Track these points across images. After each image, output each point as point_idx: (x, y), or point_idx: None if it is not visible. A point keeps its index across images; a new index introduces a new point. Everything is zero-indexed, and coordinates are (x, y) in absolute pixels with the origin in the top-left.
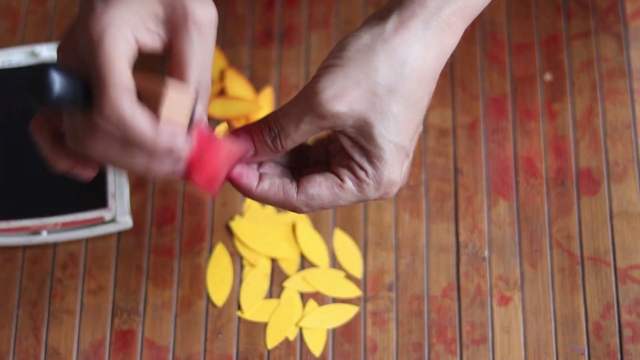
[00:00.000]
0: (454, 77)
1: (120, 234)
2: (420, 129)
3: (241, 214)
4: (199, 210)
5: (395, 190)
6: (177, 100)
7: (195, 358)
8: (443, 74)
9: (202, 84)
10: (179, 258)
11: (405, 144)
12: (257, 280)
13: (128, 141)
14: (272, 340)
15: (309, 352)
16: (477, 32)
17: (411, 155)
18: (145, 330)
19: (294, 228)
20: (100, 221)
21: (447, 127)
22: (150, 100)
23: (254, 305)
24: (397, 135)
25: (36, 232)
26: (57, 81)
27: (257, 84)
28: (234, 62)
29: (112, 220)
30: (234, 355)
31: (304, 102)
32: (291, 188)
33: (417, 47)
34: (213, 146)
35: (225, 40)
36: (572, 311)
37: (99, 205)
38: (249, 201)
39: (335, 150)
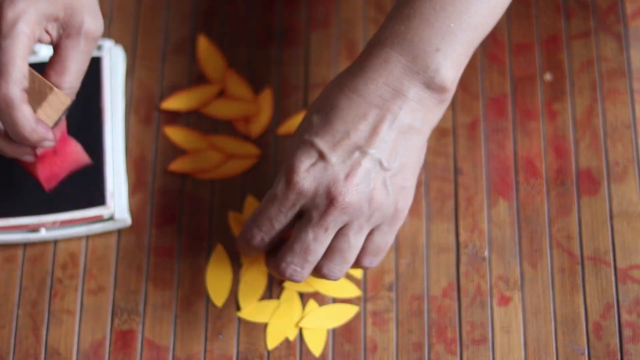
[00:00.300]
0: None
1: (120, 234)
2: (361, 141)
3: (242, 214)
4: (199, 211)
5: (295, 178)
6: (54, 104)
7: (195, 358)
8: None
9: (73, 90)
10: (179, 258)
11: (312, 139)
12: (255, 279)
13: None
14: (273, 340)
15: (309, 352)
16: None
17: (329, 157)
18: (146, 330)
19: None
20: (99, 219)
21: (447, 127)
22: (32, 95)
23: (252, 304)
24: (308, 134)
25: (35, 229)
26: None
27: (257, 84)
28: (234, 62)
29: (111, 218)
30: (234, 355)
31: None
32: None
33: (340, 74)
34: (66, 149)
35: (225, 40)
36: (572, 311)
37: (97, 203)
38: (249, 200)
39: None
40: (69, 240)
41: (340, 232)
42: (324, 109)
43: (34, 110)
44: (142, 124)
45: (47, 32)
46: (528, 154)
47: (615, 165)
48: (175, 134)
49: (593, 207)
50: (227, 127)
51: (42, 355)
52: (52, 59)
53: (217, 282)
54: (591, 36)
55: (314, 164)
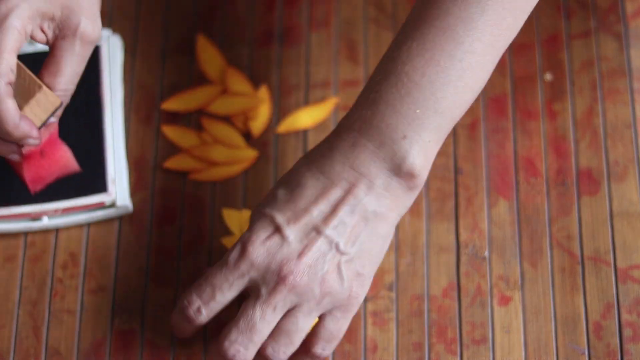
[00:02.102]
0: None
1: (120, 234)
2: (318, 220)
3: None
4: (200, 211)
5: (247, 245)
6: (43, 103)
7: (195, 358)
8: None
9: (67, 92)
10: (179, 258)
11: (272, 213)
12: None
13: None
14: None
15: None
16: None
17: (285, 232)
18: (146, 330)
19: None
20: (101, 206)
21: None
22: (20, 91)
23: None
24: (269, 208)
25: (37, 218)
26: None
27: (257, 84)
28: (234, 62)
29: (112, 205)
30: None
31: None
32: None
33: (307, 154)
34: (55, 153)
35: (225, 40)
36: (572, 311)
37: (99, 190)
38: (247, 204)
39: None
40: (69, 240)
41: (289, 313)
42: (289, 184)
43: (21, 107)
44: (143, 123)
45: (42, 30)
46: (528, 154)
47: (615, 165)
48: (173, 132)
49: (593, 207)
50: (227, 126)
51: (43, 355)
52: (47, 59)
53: None
54: (591, 36)
55: (269, 237)
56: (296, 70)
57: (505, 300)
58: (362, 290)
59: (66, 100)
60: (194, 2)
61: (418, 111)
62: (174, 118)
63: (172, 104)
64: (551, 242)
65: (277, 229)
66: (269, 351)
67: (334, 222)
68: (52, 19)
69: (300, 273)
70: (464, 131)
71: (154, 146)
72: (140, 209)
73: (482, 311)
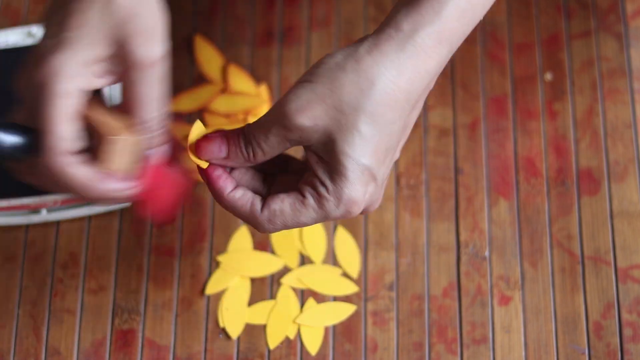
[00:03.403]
0: (455, 77)
1: (120, 234)
2: (397, 155)
3: None
4: (200, 210)
5: (356, 210)
6: (122, 149)
7: (195, 358)
8: (444, 74)
9: (154, 118)
10: (179, 258)
11: (370, 164)
12: (236, 302)
13: (68, 188)
14: (273, 340)
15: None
16: (477, 32)
17: (380, 180)
18: (146, 329)
19: None
20: None
21: (447, 126)
22: (100, 136)
23: (240, 326)
24: (363, 155)
25: (36, 210)
26: (5, 140)
27: (258, 84)
28: (234, 61)
29: None
30: (235, 355)
31: (272, 113)
32: (258, 203)
33: (388, 69)
34: (164, 178)
35: (226, 40)
36: (572, 311)
37: None
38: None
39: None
40: (69, 240)
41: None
42: (376, 119)
43: (103, 164)
44: None
45: (101, 75)
46: (528, 154)
47: (615, 164)
48: (176, 129)
49: (593, 207)
50: (227, 123)
51: (43, 355)
52: (122, 93)
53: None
54: (592, 36)
55: (367, 192)
56: (296, 70)
57: (505, 300)
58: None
59: (162, 123)
60: (194, 2)
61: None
62: (175, 118)
63: (173, 106)
64: (551, 242)
65: (373, 177)
66: None
67: (400, 148)
68: (103, 59)
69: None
70: (464, 131)
71: None
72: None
73: (483, 311)
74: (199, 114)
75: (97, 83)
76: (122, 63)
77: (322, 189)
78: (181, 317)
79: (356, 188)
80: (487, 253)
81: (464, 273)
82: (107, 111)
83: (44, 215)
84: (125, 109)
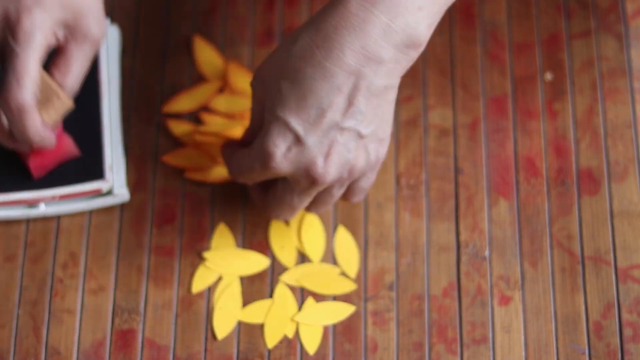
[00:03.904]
0: (455, 77)
1: (120, 234)
2: (382, 151)
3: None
4: (200, 210)
5: (272, 163)
6: (58, 107)
7: (195, 358)
8: (443, 74)
9: (73, 90)
10: (179, 258)
11: (288, 119)
12: (229, 301)
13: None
14: (272, 339)
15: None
16: (477, 32)
17: (310, 143)
18: (146, 330)
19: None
20: (98, 193)
21: (447, 126)
22: (39, 96)
23: (229, 328)
24: (281, 110)
25: (34, 204)
26: None
27: None
28: (234, 61)
29: (110, 192)
30: (235, 354)
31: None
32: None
33: (309, 27)
34: (59, 143)
35: (226, 40)
36: (572, 311)
37: (96, 177)
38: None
39: None
40: (69, 239)
41: (324, 190)
42: (294, 75)
43: (39, 111)
44: (143, 123)
45: (56, 37)
46: (528, 154)
47: (615, 164)
48: (177, 127)
49: (594, 207)
50: (227, 122)
51: (43, 355)
52: (57, 59)
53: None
54: (592, 36)
55: (289, 149)
56: None
57: (505, 300)
58: (385, 149)
59: (71, 98)
60: (194, 2)
61: None
62: (175, 117)
63: (174, 106)
64: (551, 242)
65: (297, 139)
66: (311, 210)
67: (353, 113)
68: (65, 25)
69: (330, 171)
70: (464, 131)
71: (154, 146)
72: (140, 209)
73: (483, 311)
74: (198, 113)
75: (52, 40)
76: (71, 33)
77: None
78: (181, 317)
79: (269, 138)
80: (487, 253)
81: (464, 273)
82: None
83: (42, 210)
84: (54, 74)
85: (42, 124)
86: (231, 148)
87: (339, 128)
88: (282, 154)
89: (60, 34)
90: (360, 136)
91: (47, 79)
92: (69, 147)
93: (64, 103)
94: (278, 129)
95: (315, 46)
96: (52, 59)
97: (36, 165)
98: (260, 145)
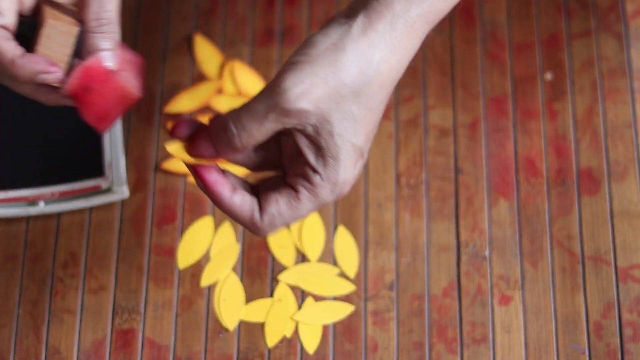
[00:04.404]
0: (455, 77)
1: (120, 233)
2: (376, 130)
3: None
4: (200, 210)
5: (348, 188)
6: (54, 36)
7: (196, 357)
8: (443, 74)
9: (105, 19)
10: (179, 257)
11: (361, 144)
12: (232, 292)
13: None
14: (272, 338)
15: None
16: (477, 32)
17: (366, 155)
18: (146, 329)
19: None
20: (97, 190)
21: (447, 126)
22: (40, 22)
23: (237, 317)
24: (355, 136)
25: (33, 202)
26: None
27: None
28: (235, 60)
29: (109, 190)
30: (235, 354)
31: (269, 99)
32: (257, 208)
33: (382, 49)
34: (106, 82)
35: (226, 39)
36: (572, 311)
37: (95, 174)
38: None
39: (289, 153)
40: (69, 239)
41: None
42: (365, 96)
43: (35, 49)
44: (143, 123)
45: None
46: (529, 154)
47: (615, 164)
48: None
49: (594, 207)
50: None
51: (43, 355)
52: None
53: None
54: (592, 35)
55: (357, 168)
56: None
57: (505, 300)
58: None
59: (111, 26)
60: (194, 2)
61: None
62: (175, 117)
63: (173, 107)
64: (551, 242)
65: (361, 156)
66: None
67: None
68: None
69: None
70: (464, 131)
71: (154, 146)
72: (141, 208)
73: (483, 311)
74: (199, 113)
75: None
76: None
77: (315, 177)
78: (181, 316)
79: (349, 169)
80: (487, 253)
81: (464, 273)
82: (62, 8)
83: (41, 208)
84: (80, 8)
85: (21, 55)
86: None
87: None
88: (355, 177)
89: None
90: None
91: (49, 13)
92: (123, 89)
93: (64, 30)
94: (354, 155)
95: (391, 69)
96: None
97: (93, 117)
98: (334, 177)
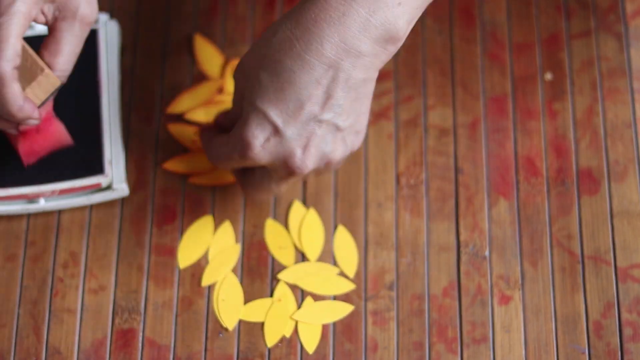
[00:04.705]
0: (455, 76)
1: (120, 233)
2: (357, 141)
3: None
4: (200, 210)
5: (250, 153)
6: (44, 84)
7: (196, 357)
8: (443, 74)
9: (65, 72)
10: (179, 257)
11: (267, 109)
12: (230, 292)
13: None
14: (271, 338)
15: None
16: (477, 31)
17: (289, 135)
18: (146, 329)
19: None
20: (97, 187)
21: (447, 126)
22: (23, 72)
23: (236, 316)
24: (261, 100)
25: (34, 199)
26: None
27: None
28: (236, 59)
29: (109, 187)
30: (235, 354)
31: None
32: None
33: (289, 19)
34: (49, 129)
35: (226, 39)
36: (572, 310)
37: (95, 172)
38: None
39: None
40: (69, 239)
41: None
42: (273, 67)
43: (23, 89)
44: (143, 123)
45: (43, 12)
46: (528, 154)
47: (615, 164)
48: (177, 130)
49: (593, 207)
50: None
51: (43, 354)
52: (47, 39)
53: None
54: (592, 35)
55: (268, 139)
56: None
57: (505, 300)
58: (360, 141)
59: (64, 80)
60: (194, 2)
61: None
62: (177, 117)
63: (174, 107)
64: (551, 242)
65: (275, 130)
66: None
67: (331, 106)
68: (52, 1)
69: (308, 163)
70: (464, 131)
71: (154, 146)
72: (141, 208)
73: (483, 310)
74: (199, 112)
75: (39, 18)
76: (60, 12)
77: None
78: (181, 316)
79: (248, 128)
80: (487, 253)
81: (464, 273)
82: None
83: (41, 205)
84: (44, 54)
85: (25, 99)
86: (209, 133)
87: (317, 120)
88: (260, 144)
89: (49, 12)
90: (338, 129)
91: (33, 55)
92: (60, 133)
93: (51, 81)
94: (257, 119)
95: (294, 38)
96: (43, 40)
97: (26, 150)
98: (239, 134)
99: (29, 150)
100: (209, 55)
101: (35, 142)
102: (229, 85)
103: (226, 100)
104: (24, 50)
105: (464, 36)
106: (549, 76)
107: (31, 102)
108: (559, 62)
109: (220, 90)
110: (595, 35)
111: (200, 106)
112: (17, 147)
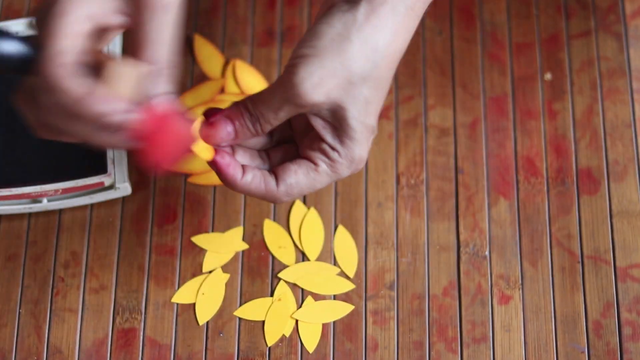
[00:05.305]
0: (455, 76)
1: (121, 233)
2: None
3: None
4: (201, 209)
5: (363, 164)
6: (123, 75)
7: (196, 356)
8: (443, 74)
9: (163, 62)
10: (180, 257)
11: (372, 122)
12: (212, 287)
13: (63, 106)
14: (271, 337)
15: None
16: (477, 31)
17: (376, 131)
18: (147, 328)
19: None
20: (100, 187)
21: (447, 126)
22: (104, 65)
23: (211, 313)
24: (367, 116)
25: (37, 199)
26: (5, 47)
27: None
28: (236, 59)
29: (112, 186)
30: (235, 353)
31: (282, 93)
32: (271, 180)
33: (386, 33)
34: (169, 126)
35: (226, 39)
36: (572, 310)
37: (98, 171)
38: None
39: (300, 127)
40: (70, 239)
41: None
42: (373, 80)
43: (104, 85)
44: None
45: (117, 12)
46: (528, 153)
47: (615, 164)
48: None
49: (593, 206)
50: None
51: (44, 354)
52: (132, 35)
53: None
54: (591, 35)
55: (369, 144)
56: None
57: (505, 299)
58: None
59: (169, 69)
60: (194, 2)
61: None
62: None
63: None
64: (551, 241)
65: (373, 132)
66: None
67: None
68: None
69: (364, 159)
70: (464, 131)
71: None
72: (142, 208)
73: (483, 310)
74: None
75: (110, 19)
76: (136, 5)
77: (333, 154)
78: (182, 316)
79: (364, 147)
80: (487, 252)
81: (464, 272)
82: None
83: (44, 204)
84: (133, 53)
85: (87, 92)
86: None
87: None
88: (366, 153)
89: (123, 8)
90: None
91: (107, 57)
92: (182, 127)
93: (132, 70)
94: (368, 136)
95: (395, 52)
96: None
97: (154, 158)
98: (358, 156)
99: (160, 158)
100: (209, 56)
101: (161, 146)
102: (231, 84)
103: (227, 100)
104: (98, 58)
105: (464, 36)
106: (548, 76)
107: (107, 93)
108: (558, 62)
109: (222, 90)
110: (595, 35)
111: (201, 106)
112: (146, 157)
